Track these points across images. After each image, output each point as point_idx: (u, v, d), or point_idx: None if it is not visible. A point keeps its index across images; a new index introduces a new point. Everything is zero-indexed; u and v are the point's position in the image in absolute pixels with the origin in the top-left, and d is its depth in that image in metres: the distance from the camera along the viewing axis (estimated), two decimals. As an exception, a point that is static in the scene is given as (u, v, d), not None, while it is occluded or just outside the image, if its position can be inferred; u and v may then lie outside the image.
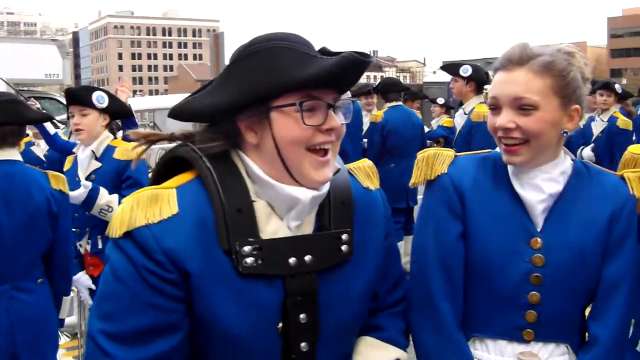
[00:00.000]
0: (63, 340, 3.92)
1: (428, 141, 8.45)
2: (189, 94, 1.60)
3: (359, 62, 1.44)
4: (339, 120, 1.52)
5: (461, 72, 6.33)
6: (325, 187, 1.56)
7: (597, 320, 1.89)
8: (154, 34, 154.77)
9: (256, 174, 1.51)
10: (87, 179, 4.15)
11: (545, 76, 1.82)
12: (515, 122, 1.82)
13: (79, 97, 4.18)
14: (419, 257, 1.97)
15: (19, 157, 3.45)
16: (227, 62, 1.54)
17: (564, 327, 1.91)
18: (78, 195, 3.93)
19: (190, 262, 1.42)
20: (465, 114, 6.39)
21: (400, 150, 7.49)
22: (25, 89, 14.90)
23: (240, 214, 1.47)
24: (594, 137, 7.42)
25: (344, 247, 1.57)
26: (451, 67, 6.58)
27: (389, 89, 7.97)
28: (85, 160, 4.22)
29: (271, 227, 1.50)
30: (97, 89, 4.31)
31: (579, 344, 1.94)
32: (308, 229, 1.57)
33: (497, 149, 1.98)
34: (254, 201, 1.50)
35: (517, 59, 1.84)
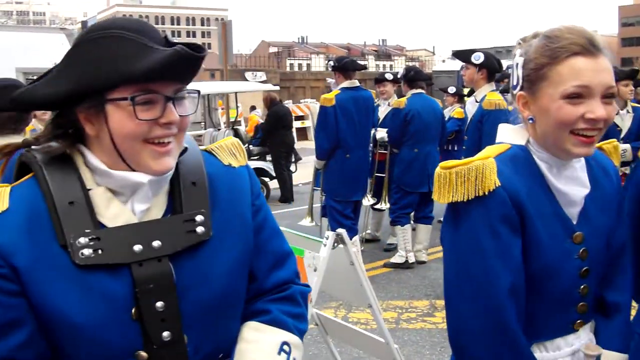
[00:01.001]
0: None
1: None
2: (31, 83, 1.54)
3: (190, 57, 1.40)
4: (182, 111, 1.48)
5: (473, 59, 6.32)
6: (168, 172, 1.52)
7: (612, 288, 1.95)
8: (163, 23, 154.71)
9: (92, 164, 1.49)
10: None
11: (612, 66, 1.76)
12: (606, 115, 1.71)
13: None
14: (482, 281, 1.74)
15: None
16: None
17: (596, 306, 1.96)
18: None
19: (18, 256, 1.40)
20: (476, 101, 6.36)
21: (422, 135, 7.70)
22: (33, 77, 14.91)
23: (72, 206, 1.44)
24: (625, 131, 7.05)
25: (199, 229, 1.53)
26: (463, 54, 6.58)
27: (416, 77, 8.05)
28: None
29: (112, 212, 1.48)
30: None
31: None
32: (157, 212, 1.53)
33: (509, 142, 1.86)
34: (89, 189, 1.48)
35: (598, 44, 1.72)
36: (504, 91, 7.18)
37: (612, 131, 7.11)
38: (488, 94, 6.24)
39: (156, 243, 1.48)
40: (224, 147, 1.72)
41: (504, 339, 1.73)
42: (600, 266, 1.88)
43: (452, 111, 9.50)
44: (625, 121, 7.09)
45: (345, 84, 7.37)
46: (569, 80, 1.70)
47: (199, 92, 1.53)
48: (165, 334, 1.48)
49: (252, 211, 1.67)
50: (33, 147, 1.54)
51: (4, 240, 1.40)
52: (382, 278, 7.38)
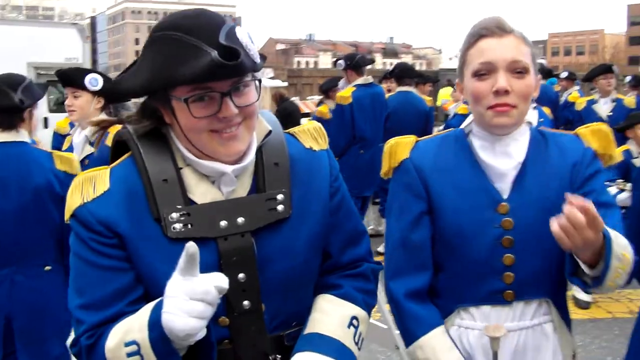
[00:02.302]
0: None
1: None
2: (121, 72, 1.70)
3: (223, 66, 1.46)
4: (242, 102, 1.57)
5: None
6: (248, 158, 1.65)
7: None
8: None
9: (181, 150, 1.64)
10: (81, 163, 4.25)
11: (527, 44, 1.95)
12: (511, 85, 1.89)
13: (70, 78, 4.23)
14: (387, 239, 2.14)
15: (20, 138, 3.33)
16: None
17: (541, 283, 1.99)
18: None
19: (121, 226, 1.58)
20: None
21: (398, 133, 7.49)
22: (44, 72, 14.99)
23: (166, 184, 1.60)
24: (604, 117, 7.65)
25: (279, 207, 1.66)
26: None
27: (404, 74, 8.11)
28: (79, 144, 4.28)
29: (200, 190, 1.63)
30: (92, 71, 4.34)
31: (560, 298, 2.04)
32: (242, 192, 1.66)
33: (465, 125, 2.07)
34: (181, 168, 1.63)
35: (504, 26, 1.93)
36: None
37: (591, 118, 7.57)
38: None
39: (240, 219, 1.62)
40: (306, 131, 1.85)
41: (384, 281, 2.10)
42: (533, 239, 1.94)
43: (457, 107, 9.59)
44: (602, 109, 7.87)
45: (360, 80, 7.43)
46: (476, 59, 1.94)
47: (260, 80, 1.63)
48: (246, 302, 1.63)
49: (330, 192, 1.79)
50: (127, 124, 1.70)
51: (108, 214, 1.59)
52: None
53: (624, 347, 2.71)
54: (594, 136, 2.07)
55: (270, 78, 23.92)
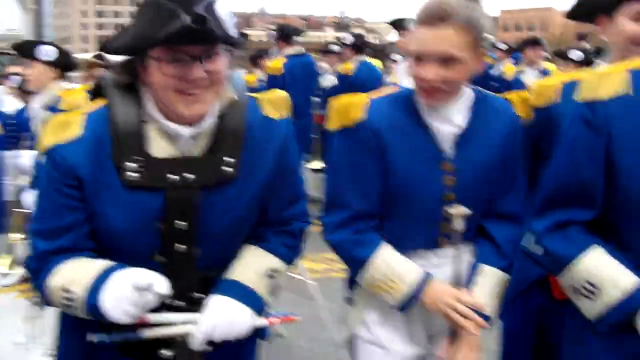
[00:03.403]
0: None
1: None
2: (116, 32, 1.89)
3: (192, 31, 1.61)
4: (211, 67, 1.71)
5: (412, 27, 6.55)
6: (206, 123, 1.80)
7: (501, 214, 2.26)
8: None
9: (148, 107, 1.80)
10: None
11: (467, 33, 1.98)
12: (441, 76, 2.00)
13: (23, 50, 4.58)
14: (330, 195, 2.25)
15: None
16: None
17: (470, 231, 2.20)
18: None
19: (83, 171, 1.77)
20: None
21: None
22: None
23: (129, 135, 1.77)
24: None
25: (228, 168, 1.82)
26: (399, 23, 6.76)
27: (364, 44, 8.40)
28: (38, 110, 4.50)
29: (159, 145, 1.79)
30: (46, 43, 4.63)
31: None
32: (197, 151, 1.82)
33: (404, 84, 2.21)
34: (146, 122, 1.79)
35: (441, 15, 1.96)
36: None
37: (517, 87, 8.01)
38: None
39: (190, 175, 1.79)
40: (268, 100, 1.98)
41: (325, 237, 2.22)
42: (470, 196, 2.15)
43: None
44: (529, 78, 8.25)
45: (290, 50, 7.56)
46: (412, 44, 2.06)
47: (231, 51, 1.79)
48: (182, 246, 1.83)
49: (278, 158, 1.93)
50: (110, 73, 1.88)
51: (75, 159, 1.77)
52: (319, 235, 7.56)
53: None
54: (521, 104, 2.30)
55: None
